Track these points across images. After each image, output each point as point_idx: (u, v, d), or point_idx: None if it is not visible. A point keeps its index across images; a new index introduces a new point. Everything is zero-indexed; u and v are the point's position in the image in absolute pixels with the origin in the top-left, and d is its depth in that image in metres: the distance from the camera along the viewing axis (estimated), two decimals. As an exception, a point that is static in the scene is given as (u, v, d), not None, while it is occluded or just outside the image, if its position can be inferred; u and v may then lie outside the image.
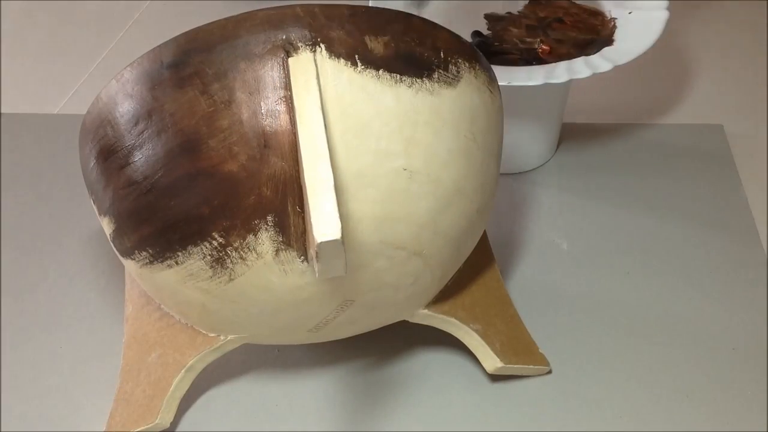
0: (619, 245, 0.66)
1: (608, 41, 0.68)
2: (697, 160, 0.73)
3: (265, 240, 0.44)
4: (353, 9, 0.44)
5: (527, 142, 0.71)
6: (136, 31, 0.94)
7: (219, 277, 0.46)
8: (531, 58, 0.69)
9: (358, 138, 0.43)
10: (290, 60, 0.43)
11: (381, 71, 0.44)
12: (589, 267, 0.65)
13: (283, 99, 0.43)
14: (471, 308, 0.55)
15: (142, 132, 0.45)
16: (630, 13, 0.70)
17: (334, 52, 0.44)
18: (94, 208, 0.50)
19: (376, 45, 0.44)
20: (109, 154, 0.46)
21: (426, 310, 0.53)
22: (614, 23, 0.70)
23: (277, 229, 0.44)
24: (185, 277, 0.46)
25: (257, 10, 0.44)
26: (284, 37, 0.43)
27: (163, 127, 0.44)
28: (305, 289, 0.46)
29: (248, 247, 0.44)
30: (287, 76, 0.43)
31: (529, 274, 0.64)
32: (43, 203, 0.72)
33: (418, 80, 0.45)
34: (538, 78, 0.62)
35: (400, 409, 0.56)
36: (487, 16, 0.74)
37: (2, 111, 0.82)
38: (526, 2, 0.75)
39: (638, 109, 0.80)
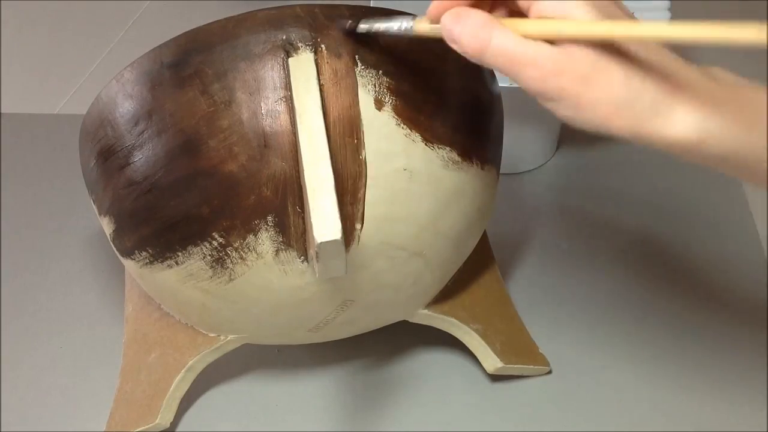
0: (619, 245, 0.66)
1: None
2: (697, 160, 0.73)
3: (265, 240, 0.44)
4: (353, 9, 0.44)
5: (527, 142, 0.71)
6: (136, 31, 0.94)
7: (219, 277, 0.46)
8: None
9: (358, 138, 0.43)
10: (290, 60, 0.43)
11: (381, 71, 0.44)
12: (589, 267, 0.64)
13: (283, 99, 0.43)
14: (471, 308, 0.55)
15: (142, 132, 0.45)
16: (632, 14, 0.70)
17: (334, 52, 0.44)
18: (94, 208, 0.50)
19: (376, 44, 0.44)
20: (109, 154, 0.46)
21: (426, 310, 0.53)
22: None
23: (277, 229, 0.44)
24: (185, 277, 0.46)
25: (257, 10, 0.44)
26: (284, 37, 0.43)
27: (163, 127, 0.44)
28: (305, 289, 0.46)
29: (248, 247, 0.44)
30: (287, 77, 0.43)
31: (529, 274, 0.64)
32: (43, 203, 0.72)
33: (418, 80, 0.45)
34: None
35: (400, 409, 0.56)
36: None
37: (2, 111, 0.82)
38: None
39: (638, 109, 0.80)
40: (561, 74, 0.34)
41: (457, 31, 0.36)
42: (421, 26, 0.39)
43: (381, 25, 0.41)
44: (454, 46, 0.36)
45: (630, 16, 0.37)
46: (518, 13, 0.37)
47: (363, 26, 0.42)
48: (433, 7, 0.37)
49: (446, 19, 0.36)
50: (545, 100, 0.35)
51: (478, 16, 0.36)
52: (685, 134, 0.34)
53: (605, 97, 0.34)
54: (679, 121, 0.34)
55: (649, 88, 0.34)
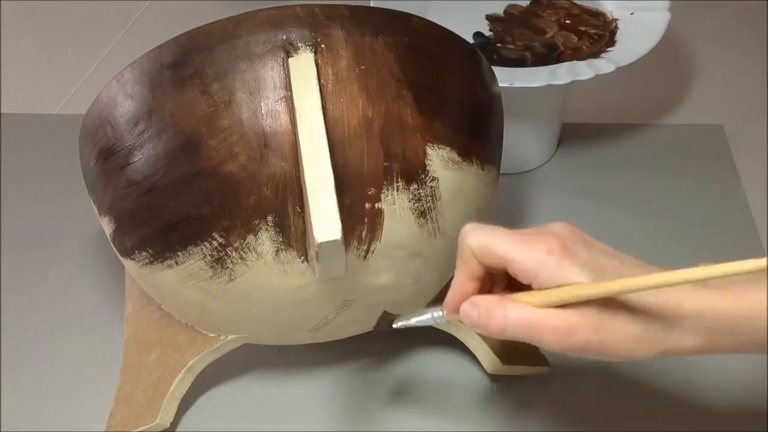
0: (619, 245, 0.66)
1: (610, 42, 0.68)
2: (697, 160, 0.73)
3: (265, 240, 0.44)
4: (353, 9, 0.44)
5: (527, 142, 0.71)
6: (136, 31, 0.94)
7: (219, 278, 0.46)
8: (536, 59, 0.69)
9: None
10: (290, 60, 0.43)
11: (381, 72, 0.44)
12: (589, 267, 0.64)
13: (283, 99, 0.43)
14: (471, 308, 0.55)
15: (143, 132, 0.45)
16: (632, 14, 0.70)
17: (334, 52, 0.44)
18: (94, 208, 0.50)
19: (376, 45, 0.44)
20: (109, 155, 0.46)
21: (426, 310, 0.53)
22: (616, 24, 0.70)
23: (277, 229, 0.44)
24: (185, 277, 0.46)
25: (257, 10, 0.44)
26: (284, 37, 0.43)
27: (163, 127, 0.44)
28: (305, 289, 0.46)
29: (248, 248, 0.44)
30: (287, 77, 0.43)
31: (529, 274, 0.64)
32: (43, 203, 0.72)
33: (418, 80, 0.45)
34: (540, 79, 0.62)
35: (400, 409, 0.56)
36: (489, 17, 0.74)
37: (2, 111, 0.82)
38: (528, 3, 0.75)
39: (638, 109, 0.80)
40: (577, 331, 0.38)
41: (475, 316, 0.40)
42: (450, 315, 0.42)
43: (414, 320, 0.44)
44: (478, 330, 0.40)
45: (618, 258, 0.42)
46: (519, 285, 0.40)
47: (399, 323, 0.45)
48: (449, 300, 0.42)
49: (465, 307, 0.40)
50: (573, 354, 0.39)
51: (490, 299, 0.40)
52: (698, 342, 0.39)
53: (623, 337, 0.38)
54: (690, 333, 0.39)
55: (653, 318, 0.38)
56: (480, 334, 0.54)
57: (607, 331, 0.38)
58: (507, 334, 0.39)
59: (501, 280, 0.42)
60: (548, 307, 0.38)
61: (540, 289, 0.38)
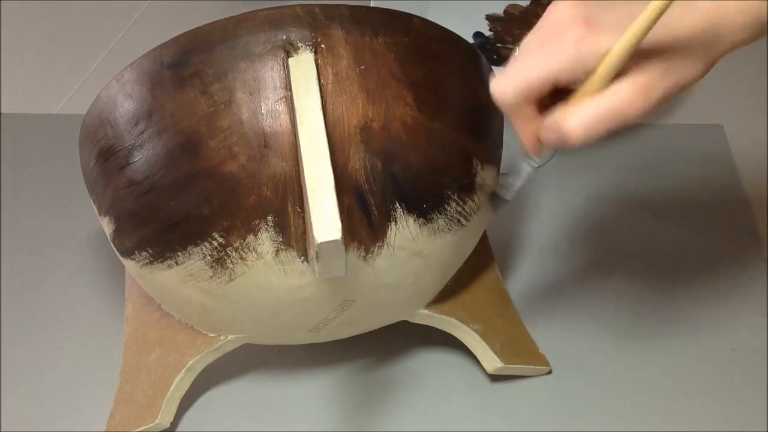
0: (619, 245, 0.66)
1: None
2: (697, 160, 0.73)
3: (265, 240, 0.44)
4: (353, 9, 0.44)
5: (527, 142, 0.71)
6: (136, 31, 0.94)
7: (219, 278, 0.46)
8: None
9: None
10: (290, 60, 0.43)
11: (381, 71, 0.44)
12: (588, 267, 0.64)
13: (283, 99, 0.43)
14: (471, 308, 0.55)
15: (142, 132, 0.45)
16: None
17: (334, 52, 0.44)
18: (94, 208, 0.50)
19: (377, 45, 0.44)
20: (109, 155, 0.46)
21: (426, 310, 0.53)
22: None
23: (277, 229, 0.44)
24: (185, 277, 0.46)
25: (257, 10, 0.44)
26: (284, 37, 0.43)
27: (163, 127, 0.44)
28: (305, 289, 0.46)
29: (248, 247, 0.44)
30: (287, 77, 0.43)
31: (529, 274, 0.64)
32: (43, 203, 0.72)
33: (418, 80, 0.45)
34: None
35: (400, 409, 0.56)
36: (489, 17, 0.74)
37: (2, 111, 0.82)
38: (528, 3, 0.75)
39: (638, 109, 0.80)
40: (651, 87, 0.37)
41: (554, 138, 0.39)
42: (536, 154, 0.43)
43: (518, 181, 0.45)
44: (566, 146, 0.39)
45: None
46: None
47: (508, 195, 0.46)
48: (528, 144, 0.42)
49: (542, 136, 0.40)
50: (656, 110, 0.38)
51: (556, 117, 0.38)
52: (751, 34, 0.37)
53: (690, 64, 0.37)
54: (739, 30, 0.37)
55: (702, 30, 0.37)
56: (480, 334, 0.54)
57: (674, 69, 0.37)
58: (592, 136, 0.38)
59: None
60: (607, 87, 0.37)
61: (588, 76, 0.37)
